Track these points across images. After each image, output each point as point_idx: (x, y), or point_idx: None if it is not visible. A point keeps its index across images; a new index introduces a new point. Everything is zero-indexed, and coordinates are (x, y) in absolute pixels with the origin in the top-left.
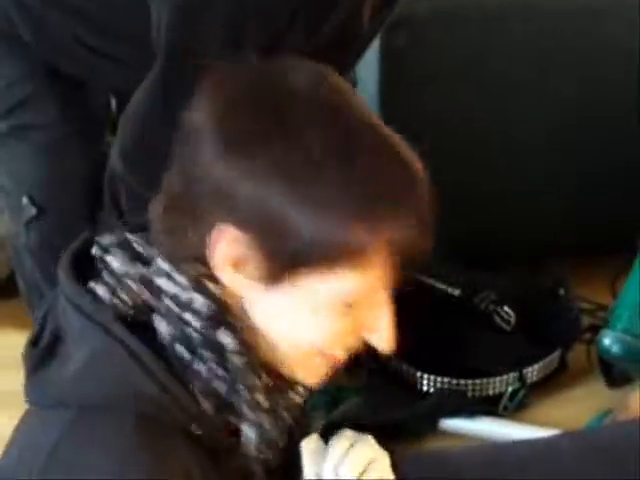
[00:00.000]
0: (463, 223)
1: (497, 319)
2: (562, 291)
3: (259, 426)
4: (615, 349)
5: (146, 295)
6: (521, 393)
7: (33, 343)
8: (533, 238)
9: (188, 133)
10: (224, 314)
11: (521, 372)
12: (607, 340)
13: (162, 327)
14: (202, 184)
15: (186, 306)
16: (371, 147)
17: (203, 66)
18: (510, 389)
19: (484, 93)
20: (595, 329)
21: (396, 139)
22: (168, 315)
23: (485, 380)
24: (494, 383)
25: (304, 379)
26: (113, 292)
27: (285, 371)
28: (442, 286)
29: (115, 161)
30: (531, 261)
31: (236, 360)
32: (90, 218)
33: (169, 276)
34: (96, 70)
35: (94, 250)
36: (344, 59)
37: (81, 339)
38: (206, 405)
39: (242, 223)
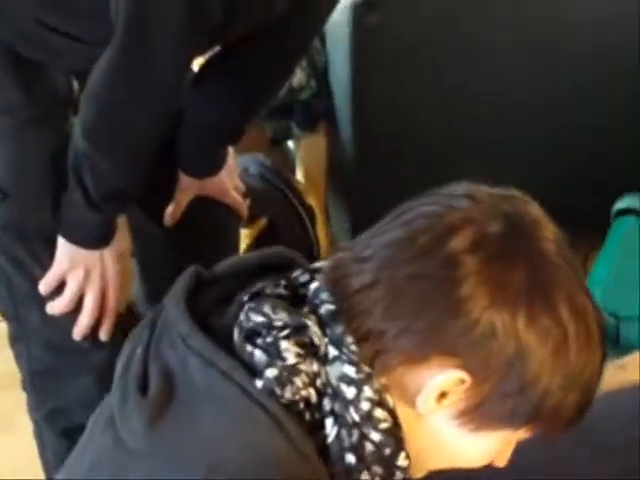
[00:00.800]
0: None
1: None
2: None
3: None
4: None
5: (314, 395)
6: None
7: (141, 390)
8: None
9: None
10: (400, 431)
11: None
12: None
13: (333, 432)
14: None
15: (367, 417)
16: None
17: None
18: None
19: (456, 69)
20: None
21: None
22: (343, 422)
23: None
24: None
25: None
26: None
27: None
28: None
29: (78, 139)
30: None
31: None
32: (55, 200)
33: (354, 383)
34: (57, 51)
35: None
36: (308, 25)
37: (209, 394)
38: None
39: (479, 372)
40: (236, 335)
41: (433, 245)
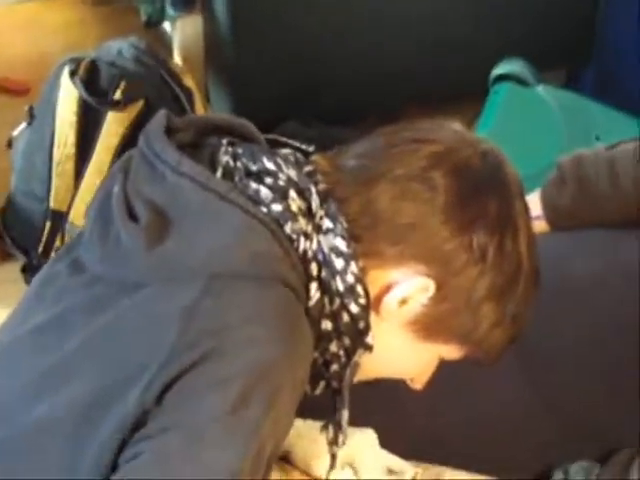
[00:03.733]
0: (321, 78)
1: None
2: None
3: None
4: None
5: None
6: None
7: (131, 219)
8: (389, 89)
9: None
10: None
11: None
12: None
13: (316, 297)
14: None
15: (350, 290)
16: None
17: None
18: None
19: None
20: None
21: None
22: (327, 289)
23: None
24: None
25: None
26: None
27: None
28: (296, 143)
29: None
30: (388, 111)
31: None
32: None
33: (343, 256)
34: None
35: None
36: None
37: (209, 214)
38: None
39: (443, 284)
40: (236, 175)
41: (415, 163)
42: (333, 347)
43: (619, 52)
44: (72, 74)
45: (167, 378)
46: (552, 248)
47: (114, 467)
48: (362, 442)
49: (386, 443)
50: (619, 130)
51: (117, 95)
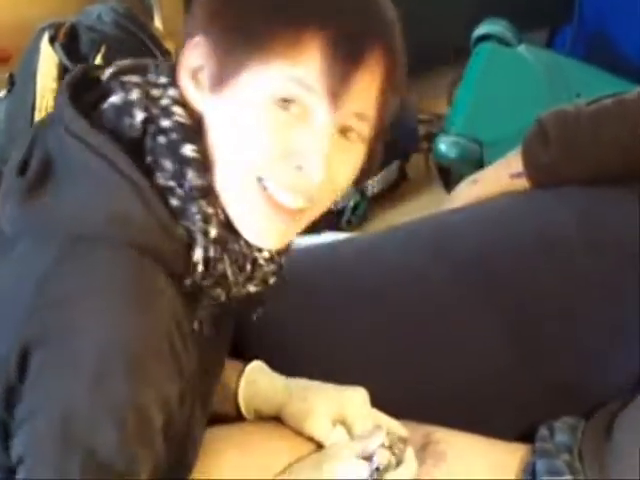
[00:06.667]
0: None
1: None
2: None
3: (210, 253)
4: (451, 153)
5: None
6: (362, 206)
7: (19, 171)
8: None
9: None
10: (193, 129)
11: (361, 185)
12: (443, 145)
13: (139, 117)
14: None
15: (167, 113)
16: None
17: None
18: (352, 203)
19: None
20: (432, 137)
21: None
22: (151, 118)
23: None
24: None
25: (257, 237)
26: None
27: (238, 223)
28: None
29: None
30: None
31: (193, 178)
32: None
33: (165, 87)
34: None
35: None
36: None
37: (82, 170)
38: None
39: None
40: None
41: None
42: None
43: (599, 13)
44: (52, 40)
45: (19, 349)
46: (534, 205)
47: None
48: (353, 400)
49: (376, 403)
50: (599, 87)
51: (97, 60)
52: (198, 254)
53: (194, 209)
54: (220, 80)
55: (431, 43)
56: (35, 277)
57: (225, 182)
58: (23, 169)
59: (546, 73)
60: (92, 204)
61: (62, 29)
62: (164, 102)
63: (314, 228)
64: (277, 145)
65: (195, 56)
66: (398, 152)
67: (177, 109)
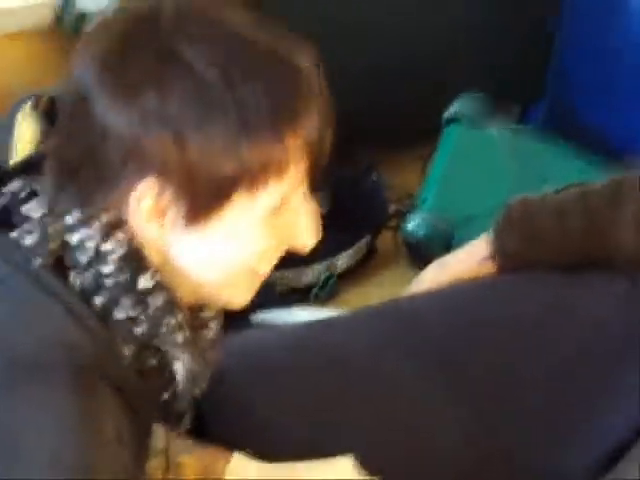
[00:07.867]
0: None
1: None
2: (375, 176)
3: (185, 361)
4: (420, 231)
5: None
6: (332, 281)
7: None
8: (341, 126)
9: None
10: (139, 260)
11: (331, 261)
12: (412, 224)
13: (77, 282)
14: (106, 144)
15: (100, 258)
16: (255, 61)
17: None
18: (321, 278)
19: None
20: (401, 215)
21: (276, 43)
22: (82, 270)
23: (295, 271)
24: (305, 274)
25: (231, 300)
26: (39, 243)
27: (212, 298)
28: None
29: None
30: (340, 150)
31: (156, 302)
32: None
33: (78, 229)
34: None
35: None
36: None
37: (5, 290)
38: (126, 352)
39: (162, 175)
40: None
41: None
42: (120, 316)
43: (568, 90)
44: (33, 109)
45: None
46: (500, 289)
47: None
48: (346, 469)
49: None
50: (566, 172)
51: None
52: (179, 367)
53: (163, 329)
54: (198, 217)
55: (402, 122)
56: None
57: (199, 287)
58: None
59: (515, 156)
60: (19, 327)
61: (41, 100)
62: (89, 245)
63: (283, 303)
64: (274, 242)
65: (151, 196)
66: (368, 228)
67: (109, 247)
